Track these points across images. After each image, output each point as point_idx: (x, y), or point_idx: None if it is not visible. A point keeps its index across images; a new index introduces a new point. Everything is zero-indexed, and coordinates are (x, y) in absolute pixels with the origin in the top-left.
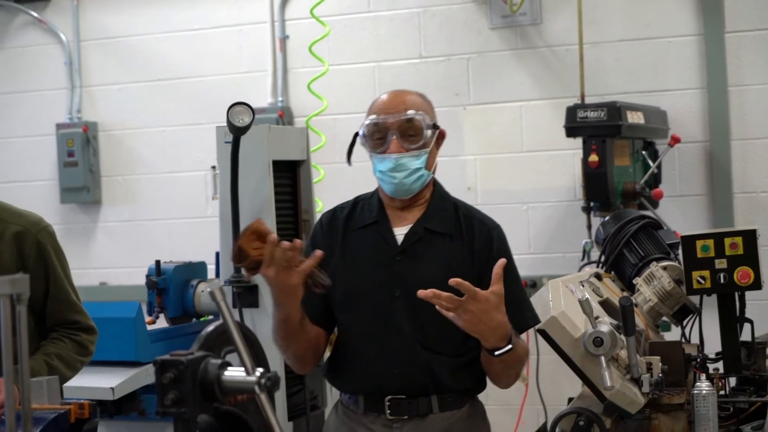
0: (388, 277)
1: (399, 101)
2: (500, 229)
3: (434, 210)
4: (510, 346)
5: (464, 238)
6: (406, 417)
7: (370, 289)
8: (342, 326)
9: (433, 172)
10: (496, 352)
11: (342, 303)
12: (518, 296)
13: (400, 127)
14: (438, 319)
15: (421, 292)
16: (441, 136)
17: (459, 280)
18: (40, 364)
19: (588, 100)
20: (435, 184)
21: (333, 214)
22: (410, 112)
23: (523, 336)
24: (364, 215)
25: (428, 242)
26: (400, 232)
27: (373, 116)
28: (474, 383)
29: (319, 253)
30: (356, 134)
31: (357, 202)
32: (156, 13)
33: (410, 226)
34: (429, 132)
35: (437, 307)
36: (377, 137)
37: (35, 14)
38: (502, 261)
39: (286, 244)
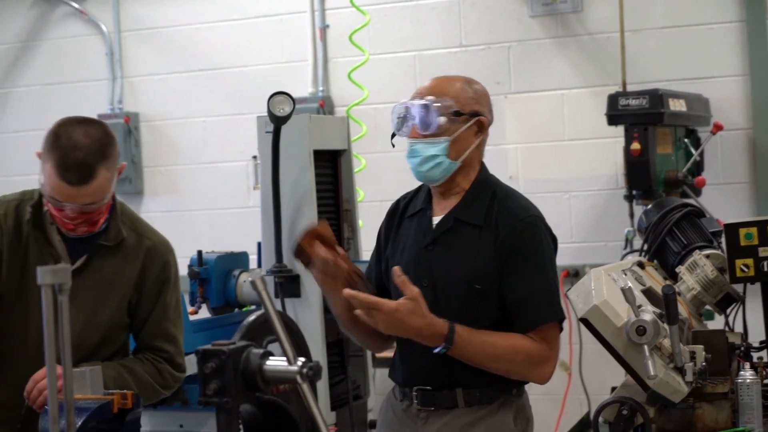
0: (419, 267)
1: (425, 87)
2: (532, 219)
3: (470, 199)
4: (441, 347)
5: (492, 229)
6: (432, 408)
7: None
8: None
9: (477, 162)
10: (434, 351)
11: (393, 292)
12: (535, 292)
13: (417, 113)
14: (458, 312)
15: (346, 292)
16: (481, 126)
17: (350, 292)
18: (110, 370)
19: (630, 88)
20: (480, 174)
21: (397, 203)
22: (428, 98)
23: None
24: (416, 203)
25: (457, 232)
26: (437, 222)
27: (402, 101)
28: (503, 379)
29: (358, 270)
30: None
31: (419, 189)
32: (196, 4)
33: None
34: (444, 119)
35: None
36: (400, 121)
37: (76, 5)
38: (396, 269)
39: (340, 262)
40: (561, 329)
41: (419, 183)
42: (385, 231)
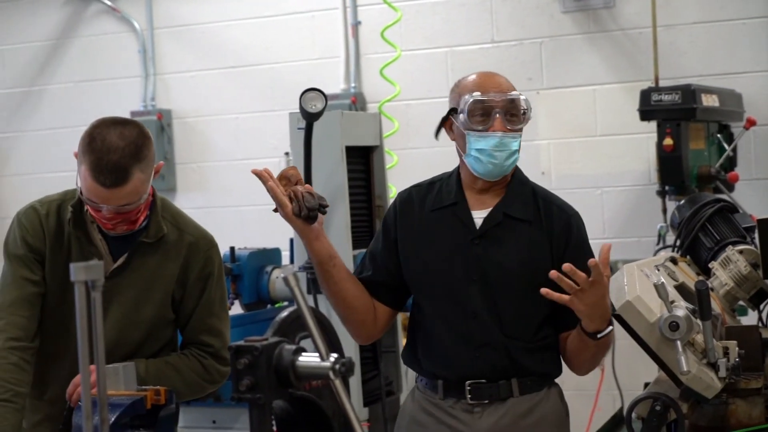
0: (465, 261)
1: (501, 81)
2: (579, 216)
3: (513, 194)
4: (611, 327)
5: (543, 224)
6: (486, 401)
7: (446, 271)
8: (417, 307)
9: None
10: (599, 335)
11: (417, 284)
12: None
13: (504, 107)
14: (514, 304)
15: (553, 273)
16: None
17: (571, 267)
18: (153, 367)
19: (662, 83)
20: (516, 169)
21: (409, 194)
22: (513, 93)
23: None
24: (441, 196)
25: (507, 227)
26: (478, 216)
27: (477, 93)
28: (552, 367)
29: (303, 187)
30: (452, 110)
31: (434, 182)
32: (228, 1)
33: (489, 210)
34: (525, 115)
35: (543, 291)
36: (480, 115)
37: (109, 3)
38: (607, 245)
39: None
40: None
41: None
42: (397, 222)
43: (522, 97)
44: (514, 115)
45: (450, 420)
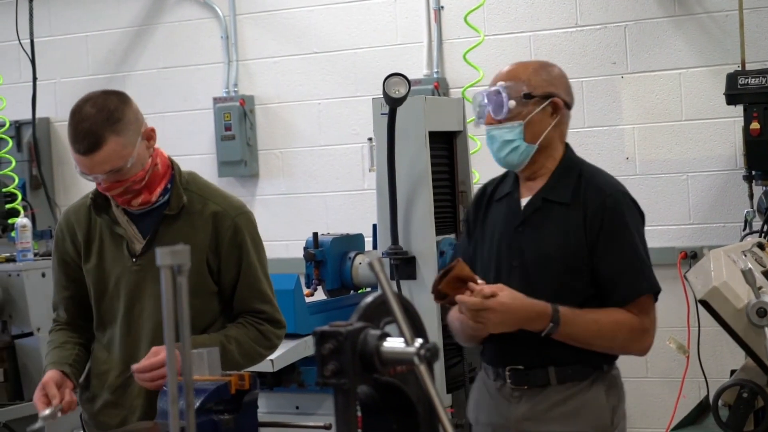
0: (509, 248)
1: (500, 73)
2: (619, 195)
3: (556, 179)
4: (550, 326)
5: (579, 206)
6: (525, 387)
7: (494, 258)
8: None
9: (560, 143)
10: (542, 335)
11: (479, 272)
12: (629, 266)
13: (491, 99)
14: (551, 290)
15: (459, 298)
16: (555, 107)
17: (461, 298)
18: (213, 341)
19: (749, 67)
20: (565, 153)
21: (483, 188)
22: (499, 84)
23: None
24: (504, 187)
25: (546, 212)
26: (525, 203)
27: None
28: (594, 355)
29: None
30: None
31: (507, 174)
32: None
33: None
34: (514, 103)
35: None
36: (482, 109)
37: None
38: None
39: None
40: (656, 300)
41: None
42: (473, 216)
43: (501, 88)
44: (499, 107)
45: (496, 402)
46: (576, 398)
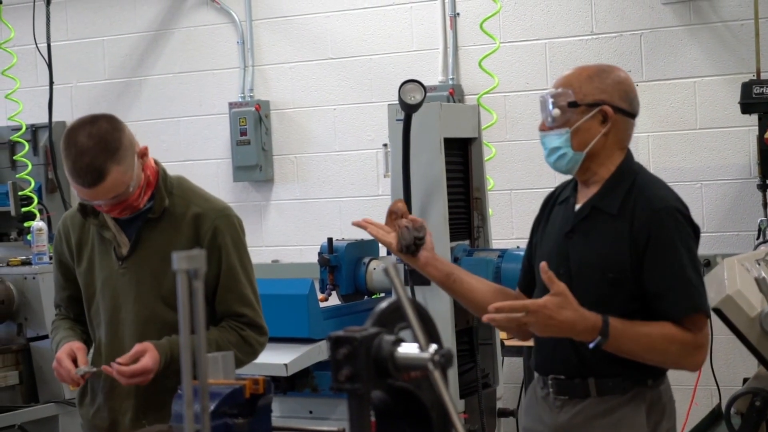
0: (558, 254)
1: (557, 80)
2: (670, 209)
3: (609, 188)
4: (598, 339)
5: (627, 218)
6: (566, 397)
7: (546, 262)
8: None
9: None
10: (590, 346)
11: (536, 278)
12: (677, 283)
13: (542, 106)
14: (593, 299)
15: (491, 306)
16: (605, 114)
17: (498, 304)
18: None
19: (764, 76)
20: (624, 161)
21: (554, 190)
22: (548, 91)
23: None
24: (567, 191)
25: (594, 221)
26: (577, 210)
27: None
28: (638, 368)
29: (402, 221)
30: None
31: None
32: None
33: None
34: (558, 111)
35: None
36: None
37: None
38: (543, 265)
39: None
40: (708, 317)
41: (549, 172)
42: (538, 217)
43: (552, 95)
44: (547, 114)
45: (541, 409)
46: (614, 413)
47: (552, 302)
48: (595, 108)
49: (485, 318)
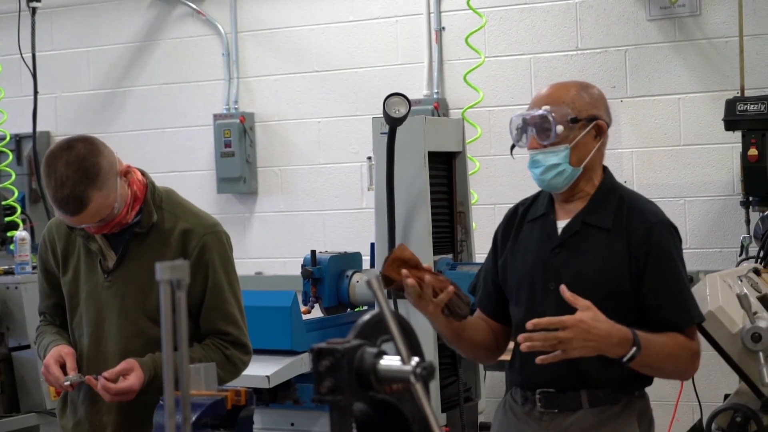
0: (545, 270)
1: (540, 96)
2: (664, 224)
3: (596, 203)
4: (633, 350)
5: (622, 233)
6: (556, 410)
7: (529, 281)
8: (512, 318)
9: (599, 166)
10: (624, 360)
11: (509, 294)
12: (678, 294)
13: (535, 124)
14: None
15: (529, 324)
16: (599, 129)
17: (536, 321)
18: None
19: (748, 93)
20: (604, 176)
21: (515, 207)
22: (544, 108)
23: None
24: (537, 208)
25: (585, 236)
26: (562, 225)
27: (518, 112)
28: (627, 379)
29: (451, 288)
30: None
31: (539, 194)
32: (312, 5)
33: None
34: (561, 128)
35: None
36: (519, 132)
37: (194, 6)
38: (562, 287)
39: (428, 279)
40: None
41: (534, 186)
42: (502, 234)
43: (548, 113)
44: (546, 131)
45: (524, 426)
46: (608, 424)
47: (587, 315)
48: (591, 123)
49: (521, 339)
